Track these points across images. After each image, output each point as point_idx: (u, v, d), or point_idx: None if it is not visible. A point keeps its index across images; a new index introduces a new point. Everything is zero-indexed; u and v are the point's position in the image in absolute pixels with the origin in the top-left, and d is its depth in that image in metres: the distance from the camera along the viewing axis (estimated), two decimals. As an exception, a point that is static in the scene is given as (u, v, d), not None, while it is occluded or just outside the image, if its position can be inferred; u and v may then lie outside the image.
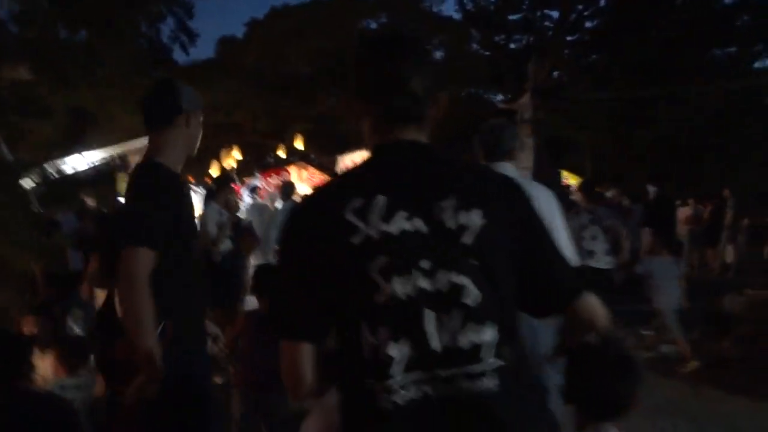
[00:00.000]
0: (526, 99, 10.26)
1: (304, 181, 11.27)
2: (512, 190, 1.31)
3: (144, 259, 1.89)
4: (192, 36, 22.71)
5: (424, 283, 1.16)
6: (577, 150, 18.08)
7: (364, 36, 1.53)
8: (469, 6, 24.36)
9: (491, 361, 1.15)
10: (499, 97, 24.48)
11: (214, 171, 12.04)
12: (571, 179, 14.13)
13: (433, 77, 1.33)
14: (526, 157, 10.20)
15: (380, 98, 1.31)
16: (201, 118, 2.30)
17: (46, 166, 6.28)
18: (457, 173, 1.29)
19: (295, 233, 1.28)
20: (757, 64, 21.40)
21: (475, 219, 1.19)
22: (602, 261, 5.66)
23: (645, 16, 19.36)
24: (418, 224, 1.18)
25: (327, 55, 23.39)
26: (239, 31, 28.47)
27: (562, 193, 11.62)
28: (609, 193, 8.48)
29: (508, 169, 2.71)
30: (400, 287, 1.15)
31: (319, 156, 14.09)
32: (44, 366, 2.49)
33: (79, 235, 6.00)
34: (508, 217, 1.24)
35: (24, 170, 6.04)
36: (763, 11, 19.51)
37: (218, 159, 13.76)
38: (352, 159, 12.27)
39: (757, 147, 17.50)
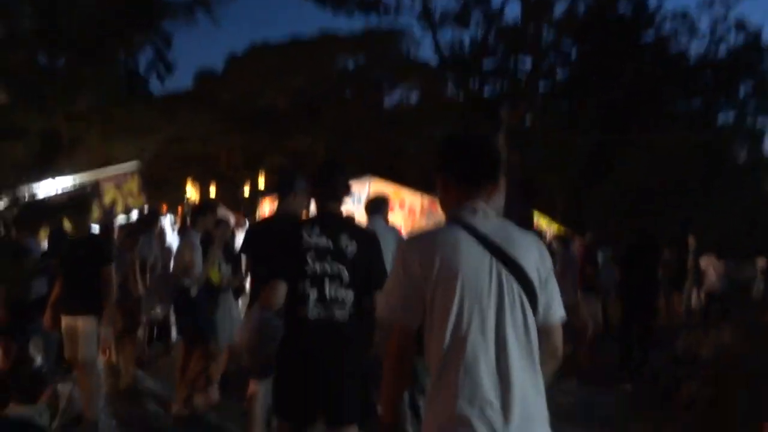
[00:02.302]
0: (499, 142, 10.52)
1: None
2: (369, 235, 3.00)
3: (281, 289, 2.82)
4: (169, 67, 22.83)
5: (327, 268, 2.76)
6: (548, 193, 18.48)
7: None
8: (445, 51, 25.01)
9: (349, 307, 2.75)
10: (472, 139, 24.95)
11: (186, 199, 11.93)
12: (541, 220, 14.38)
13: None
14: (497, 199, 10.39)
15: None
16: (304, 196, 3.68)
17: (17, 189, 6.15)
18: (349, 224, 3.07)
19: (284, 237, 2.94)
20: (720, 117, 22.34)
21: (352, 246, 2.81)
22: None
23: (612, 69, 20.13)
24: (329, 243, 2.79)
25: (304, 92, 23.66)
26: (217, 62, 28.57)
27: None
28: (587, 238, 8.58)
29: (379, 221, 4.60)
30: (318, 267, 2.76)
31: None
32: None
33: (47, 259, 5.87)
34: (365, 248, 2.85)
35: (-6, 193, 5.90)
36: (724, 68, 20.49)
37: (191, 188, 13.68)
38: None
39: (719, 194, 18.12)
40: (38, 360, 5.78)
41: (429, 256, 1.72)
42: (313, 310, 2.69)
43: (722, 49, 20.72)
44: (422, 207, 13.02)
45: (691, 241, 12.55)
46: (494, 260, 1.72)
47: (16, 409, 2.48)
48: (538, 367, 1.73)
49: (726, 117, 22.80)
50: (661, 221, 17.29)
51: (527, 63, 24.11)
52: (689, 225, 15.08)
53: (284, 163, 21.37)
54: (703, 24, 20.79)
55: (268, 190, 12.66)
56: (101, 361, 5.01)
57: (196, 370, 4.93)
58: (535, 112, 23.35)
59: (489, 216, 1.82)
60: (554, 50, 23.08)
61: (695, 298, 11.64)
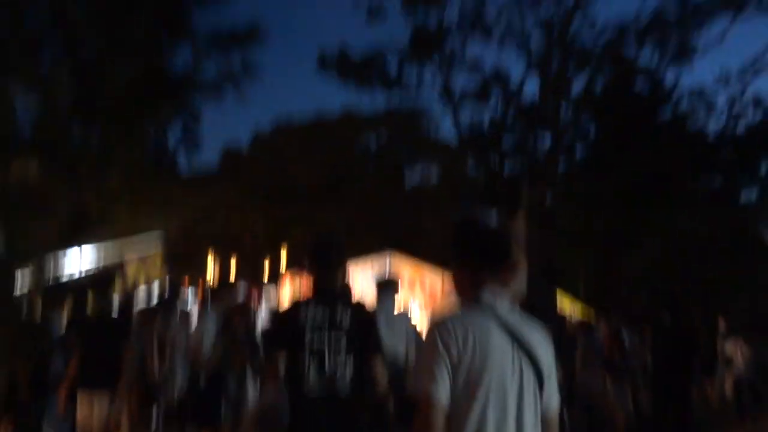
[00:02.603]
0: (519, 221, 10.48)
1: (298, 288, 11.25)
2: (362, 306, 3.17)
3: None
4: (197, 143, 23.57)
5: (326, 338, 2.87)
6: (570, 273, 18.22)
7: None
8: (465, 129, 25.53)
9: (349, 378, 2.85)
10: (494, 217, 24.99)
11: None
12: (564, 299, 14.10)
13: None
14: (520, 279, 10.21)
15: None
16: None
17: (43, 263, 6.24)
18: (343, 296, 3.23)
19: (283, 313, 3.32)
20: (743, 196, 22.16)
21: (348, 318, 2.94)
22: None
23: (631, 146, 20.30)
24: (326, 314, 2.92)
25: (326, 170, 24.14)
26: (242, 140, 29.47)
27: (558, 321, 11.49)
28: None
29: (389, 303, 4.87)
30: (317, 338, 2.86)
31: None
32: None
33: (65, 339, 5.87)
34: (360, 317, 3.01)
35: (19, 267, 6.00)
36: (745, 144, 20.52)
37: (212, 263, 13.74)
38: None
39: (745, 276, 17.68)
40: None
41: (464, 339, 1.81)
42: (314, 387, 2.79)
43: (741, 125, 20.87)
44: (443, 285, 12.90)
45: (722, 323, 12.13)
46: (516, 348, 1.86)
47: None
48: None
49: (749, 195, 22.62)
50: (688, 301, 16.86)
51: (546, 141, 24.52)
52: (718, 306, 14.65)
53: (306, 239, 21.56)
54: (721, 101, 20.93)
55: (290, 266, 12.69)
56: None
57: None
58: (556, 190, 23.48)
59: (505, 301, 1.96)
60: (573, 127, 23.46)
61: (729, 386, 11.09)
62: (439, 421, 1.76)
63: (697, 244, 17.78)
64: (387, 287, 4.88)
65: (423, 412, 1.79)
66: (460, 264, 2.03)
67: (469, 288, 1.98)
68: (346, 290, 4.00)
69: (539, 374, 1.88)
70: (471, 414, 1.77)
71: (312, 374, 2.78)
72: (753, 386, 10.82)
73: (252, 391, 5.44)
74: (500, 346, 1.83)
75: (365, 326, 3.01)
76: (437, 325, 1.92)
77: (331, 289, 3.05)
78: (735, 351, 11.23)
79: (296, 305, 3.03)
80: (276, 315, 3.55)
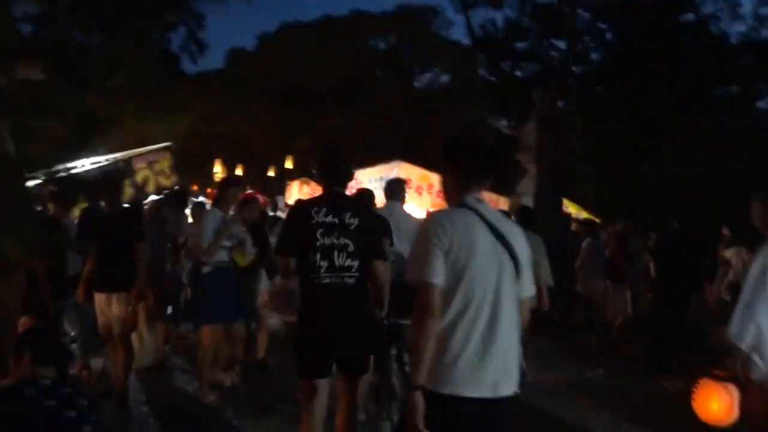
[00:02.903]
0: (530, 126, 10.33)
1: (305, 195, 11.28)
2: (369, 212, 3.71)
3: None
4: (202, 46, 22.89)
5: (335, 240, 3.13)
6: (579, 180, 18.15)
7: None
8: (478, 32, 24.60)
9: (355, 273, 3.15)
10: (504, 122, 24.64)
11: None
12: (571, 207, 14.15)
13: None
14: (527, 184, 10.21)
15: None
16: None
17: (53, 166, 6.28)
18: (352, 203, 3.43)
19: (294, 216, 3.50)
20: (760, 104, 21.58)
21: (355, 221, 3.18)
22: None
23: (650, 52, 19.58)
24: (335, 219, 3.16)
25: (336, 72, 23.56)
26: (249, 43, 28.66)
27: (562, 220, 11.63)
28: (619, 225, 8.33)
29: (396, 205, 5.07)
30: (327, 240, 3.12)
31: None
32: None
33: (81, 237, 5.98)
34: (367, 223, 3.25)
35: (30, 168, 6.04)
36: (766, 51, 19.72)
37: (219, 168, 13.79)
38: (357, 178, 12.34)
39: (756, 186, 17.55)
40: (71, 334, 5.96)
41: (452, 231, 2.13)
42: (325, 278, 3.11)
43: (765, 32, 19.99)
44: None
45: (725, 231, 12.22)
46: (498, 243, 2.19)
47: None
48: (519, 325, 2.25)
49: (766, 103, 22.04)
50: (699, 211, 16.89)
51: (561, 46, 23.68)
52: (726, 215, 14.68)
53: (315, 145, 21.38)
54: (746, 6, 19.94)
55: (297, 172, 12.69)
56: (133, 336, 5.14)
57: (222, 353, 4.99)
58: (569, 96, 22.93)
59: (487, 204, 2.30)
60: (589, 33, 22.55)
61: (725, 290, 11.34)
62: (437, 298, 2.08)
63: (715, 154, 17.51)
64: (393, 190, 5.04)
65: (422, 292, 2.09)
66: (450, 174, 2.35)
67: (457, 195, 2.30)
68: (355, 198, 4.35)
69: (517, 265, 2.22)
70: (458, 292, 2.10)
71: (322, 268, 3.11)
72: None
73: (264, 282, 5.55)
74: (483, 239, 2.17)
75: (370, 233, 3.29)
76: (429, 220, 2.29)
77: (341, 196, 3.34)
78: (734, 256, 11.39)
79: (307, 207, 3.28)
80: (289, 216, 3.56)
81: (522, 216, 6.01)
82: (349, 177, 3.43)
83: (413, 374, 2.07)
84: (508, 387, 2.15)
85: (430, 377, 2.06)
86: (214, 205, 5.44)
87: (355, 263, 3.15)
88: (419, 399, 2.03)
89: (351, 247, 3.14)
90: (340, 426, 3.23)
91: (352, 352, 3.17)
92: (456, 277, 2.10)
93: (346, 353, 3.15)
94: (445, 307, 2.10)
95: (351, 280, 3.14)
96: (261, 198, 10.33)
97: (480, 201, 2.27)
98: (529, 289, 2.30)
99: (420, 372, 2.04)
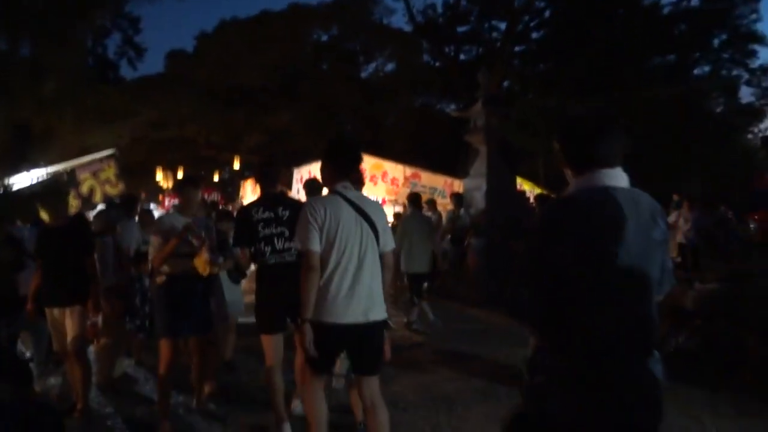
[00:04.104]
0: (478, 107, 10.42)
1: (257, 193, 11.15)
2: (297, 204, 4.16)
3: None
4: (139, 50, 22.25)
5: (273, 230, 4.07)
6: (530, 156, 18.44)
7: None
8: (419, 18, 24.67)
9: (293, 252, 3.98)
10: (452, 106, 24.84)
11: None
12: (525, 185, 14.38)
13: None
14: (480, 164, 10.32)
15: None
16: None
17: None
18: (283, 198, 4.33)
19: (240, 217, 4.23)
20: (696, 71, 22.32)
21: (287, 212, 4.11)
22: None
23: (587, 27, 20.03)
24: (271, 214, 4.10)
25: (278, 68, 23.24)
26: (188, 45, 28.02)
27: (518, 197, 11.81)
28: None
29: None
30: (267, 231, 4.07)
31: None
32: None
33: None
34: (296, 213, 3.38)
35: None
36: (699, 20, 20.40)
37: (163, 175, 13.43)
38: (309, 170, 12.25)
39: (700, 150, 18.20)
40: (27, 354, 5.72)
41: (324, 211, 3.11)
42: (270, 259, 4.01)
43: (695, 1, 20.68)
44: (404, 177, 13.01)
45: (675, 197, 12.65)
46: (358, 216, 3.16)
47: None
48: (380, 272, 3.24)
49: (701, 70, 22.84)
50: (642, 177, 17.36)
51: (502, 27, 23.98)
52: (670, 179, 15.19)
53: (263, 142, 21.07)
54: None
55: (248, 171, 12.48)
56: (90, 350, 4.95)
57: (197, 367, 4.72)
58: (513, 75, 23.25)
59: (352, 190, 3.26)
60: (527, 12, 22.91)
61: (674, 250, 11.73)
62: (316, 261, 3.07)
63: (652, 122, 18.04)
64: (312, 188, 5.23)
65: (306, 257, 3.08)
66: (328, 169, 3.28)
67: (331, 183, 3.26)
68: (285, 194, 5.52)
69: (375, 230, 3.19)
70: (332, 256, 3.08)
71: (267, 252, 4.01)
72: (694, 249, 11.58)
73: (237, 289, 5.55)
74: (347, 214, 3.13)
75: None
76: (308, 205, 3.23)
77: (273, 195, 4.22)
78: (679, 218, 11.80)
79: (249, 209, 4.17)
80: (237, 218, 4.30)
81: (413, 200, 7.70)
82: (279, 178, 4.41)
83: (302, 311, 3.04)
84: (376, 314, 3.12)
85: (316, 313, 3.04)
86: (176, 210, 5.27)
87: (292, 245, 3.99)
88: (308, 329, 3.03)
89: (287, 233, 4.02)
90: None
91: (298, 308, 3.48)
92: (329, 243, 3.08)
93: (293, 310, 3.51)
94: (324, 264, 3.07)
95: (291, 258, 3.98)
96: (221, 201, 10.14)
97: (346, 187, 3.23)
98: (388, 245, 3.28)
99: (308, 309, 3.03)
